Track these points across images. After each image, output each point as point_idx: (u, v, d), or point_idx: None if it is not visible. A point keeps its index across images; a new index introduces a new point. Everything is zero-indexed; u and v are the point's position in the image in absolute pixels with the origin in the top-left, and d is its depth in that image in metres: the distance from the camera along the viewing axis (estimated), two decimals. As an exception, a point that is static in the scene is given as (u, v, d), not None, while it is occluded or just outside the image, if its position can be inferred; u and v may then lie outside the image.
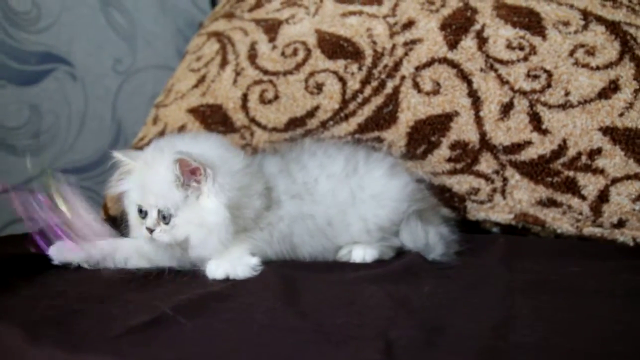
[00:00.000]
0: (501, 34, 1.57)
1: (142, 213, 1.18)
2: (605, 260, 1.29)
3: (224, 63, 1.77)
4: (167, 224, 1.16)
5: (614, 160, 1.43)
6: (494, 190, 1.51)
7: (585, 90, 1.49)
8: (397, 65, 1.61)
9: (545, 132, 1.49)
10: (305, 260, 1.27)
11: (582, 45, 1.52)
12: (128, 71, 2.19)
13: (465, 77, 1.56)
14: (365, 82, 1.62)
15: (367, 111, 1.60)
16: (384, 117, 1.59)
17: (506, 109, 1.52)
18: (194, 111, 1.74)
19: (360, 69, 1.63)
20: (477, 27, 1.59)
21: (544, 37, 1.55)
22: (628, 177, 1.42)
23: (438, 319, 0.96)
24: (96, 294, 1.08)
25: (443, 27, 1.61)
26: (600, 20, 1.54)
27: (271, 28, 1.76)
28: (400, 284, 1.11)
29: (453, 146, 1.54)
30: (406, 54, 1.61)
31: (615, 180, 1.43)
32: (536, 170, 1.48)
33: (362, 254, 1.27)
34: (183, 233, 1.16)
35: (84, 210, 1.24)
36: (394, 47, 1.63)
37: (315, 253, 1.28)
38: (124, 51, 2.19)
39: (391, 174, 1.33)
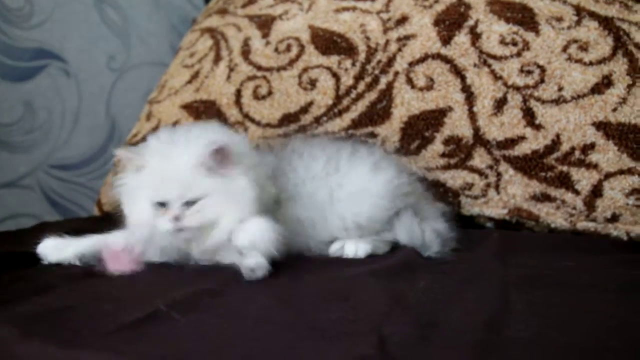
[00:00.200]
0: (494, 29, 1.57)
1: (160, 207, 1.15)
2: (599, 255, 1.30)
3: (217, 59, 1.77)
4: (194, 206, 1.14)
5: (608, 155, 1.44)
6: (488, 185, 1.51)
7: (578, 86, 1.49)
8: (391, 60, 1.61)
9: (538, 127, 1.49)
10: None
11: (576, 41, 1.53)
12: (122, 68, 2.19)
13: (458, 72, 1.56)
14: (358, 77, 1.62)
15: (360, 107, 1.60)
16: (378, 113, 1.59)
17: (500, 104, 1.52)
18: (187, 107, 1.74)
19: (353, 64, 1.63)
20: (471, 22, 1.59)
21: (537, 32, 1.55)
22: (621, 172, 1.43)
23: (433, 314, 0.96)
24: (88, 290, 1.08)
25: (437, 22, 1.61)
26: (593, 15, 1.54)
27: (264, 24, 1.76)
28: (395, 279, 1.11)
29: (447, 141, 1.54)
30: (400, 49, 1.61)
31: (608, 175, 1.43)
32: (530, 165, 1.48)
33: (354, 248, 1.26)
34: (213, 214, 1.15)
35: None
36: (387, 42, 1.63)
37: (301, 251, 1.27)
38: (118, 48, 2.18)
39: (375, 169, 1.32)
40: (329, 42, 1.67)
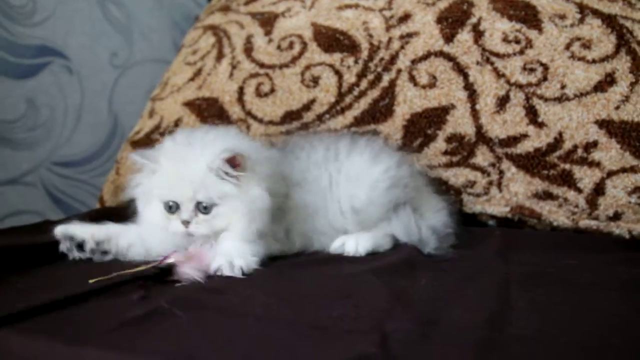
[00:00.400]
0: (497, 27, 1.57)
1: (172, 208, 1.18)
2: (601, 253, 1.30)
3: (220, 56, 1.77)
4: (206, 214, 1.16)
5: (610, 153, 1.44)
6: (490, 183, 1.51)
7: (581, 84, 1.49)
8: (394, 58, 1.61)
9: (541, 125, 1.49)
10: (297, 251, 1.27)
11: (579, 39, 1.52)
12: (124, 65, 2.19)
13: (461, 70, 1.56)
14: (361, 75, 1.62)
15: (363, 104, 1.60)
16: (380, 110, 1.59)
17: (502, 102, 1.52)
18: (190, 104, 1.74)
19: (356, 62, 1.63)
20: (474, 20, 1.59)
21: (540, 30, 1.54)
22: (624, 170, 1.43)
23: (434, 311, 0.96)
24: (90, 286, 1.08)
25: (439, 20, 1.61)
26: (596, 13, 1.54)
27: (267, 21, 1.76)
28: (396, 277, 1.11)
29: (449, 139, 1.54)
30: (402, 47, 1.61)
31: (611, 173, 1.43)
32: (532, 163, 1.48)
33: (354, 245, 1.26)
34: (224, 222, 1.17)
35: None
36: (390, 40, 1.63)
37: (304, 241, 1.29)
38: (120, 45, 2.18)
39: (374, 158, 1.33)
40: (332, 40, 1.67)
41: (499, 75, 1.53)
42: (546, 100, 1.50)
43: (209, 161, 1.15)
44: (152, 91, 1.94)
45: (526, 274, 1.15)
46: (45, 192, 2.02)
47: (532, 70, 1.52)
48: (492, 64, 1.54)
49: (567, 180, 1.45)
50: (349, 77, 1.62)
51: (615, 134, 1.44)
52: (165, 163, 1.18)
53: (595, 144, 1.45)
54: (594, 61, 1.50)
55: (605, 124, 1.45)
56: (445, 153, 1.54)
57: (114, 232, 1.22)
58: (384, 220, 1.31)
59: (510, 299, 1.01)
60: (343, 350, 0.82)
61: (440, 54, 1.58)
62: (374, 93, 1.60)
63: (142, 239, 1.23)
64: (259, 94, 1.68)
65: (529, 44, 1.54)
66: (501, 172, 1.50)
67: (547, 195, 1.47)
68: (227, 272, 1.11)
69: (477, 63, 1.55)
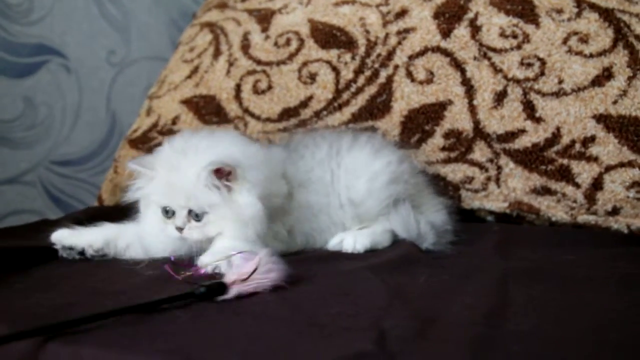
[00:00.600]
0: (494, 22, 1.57)
1: (169, 213, 1.19)
2: (600, 248, 1.30)
3: (217, 54, 1.77)
4: (198, 221, 1.18)
5: (608, 148, 1.44)
6: (488, 178, 1.51)
7: (578, 78, 1.49)
8: (391, 54, 1.61)
9: (539, 120, 1.49)
10: (299, 249, 1.27)
11: (576, 33, 1.52)
12: (122, 62, 2.19)
13: (458, 65, 1.56)
14: (358, 71, 1.62)
15: (360, 101, 1.60)
16: (378, 107, 1.59)
17: (500, 97, 1.52)
18: (187, 102, 1.74)
19: (353, 58, 1.63)
20: (471, 15, 1.59)
21: (537, 25, 1.54)
22: (622, 165, 1.43)
23: (432, 308, 0.96)
24: (90, 286, 1.08)
25: (436, 15, 1.61)
26: (593, 7, 1.54)
27: (264, 18, 1.76)
28: (395, 274, 1.11)
29: (447, 135, 1.54)
30: (399, 43, 1.61)
31: (609, 168, 1.43)
32: (530, 159, 1.48)
33: (352, 242, 1.26)
34: (216, 229, 1.18)
35: None
36: (387, 36, 1.62)
37: (307, 238, 1.29)
38: (118, 42, 2.18)
39: (375, 152, 1.34)
40: (329, 36, 1.66)
41: (497, 70, 1.53)
42: (544, 95, 1.49)
43: (197, 172, 1.16)
44: (149, 89, 1.93)
45: (524, 269, 1.15)
46: (44, 191, 2.02)
47: (529, 65, 1.52)
48: (489, 59, 1.54)
49: (565, 175, 1.45)
50: (346, 74, 1.62)
51: (613, 129, 1.44)
52: (160, 171, 1.19)
53: (593, 139, 1.45)
54: (591, 55, 1.50)
55: (603, 119, 1.45)
56: (443, 149, 1.54)
57: (112, 235, 1.23)
58: (382, 216, 1.32)
59: (509, 295, 1.01)
60: (341, 348, 0.82)
61: (438, 49, 1.58)
62: (372, 89, 1.60)
63: (140, 238, 1.24)
64: (256, 91, 1.68)
65: (526, 38, 1.54)
66: (499, 168, 1.50)
67: (545, 191, 1.47)
68: (225, 270, 1.09)
69: (475, 58, 1.55)
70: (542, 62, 1.51)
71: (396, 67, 1.59)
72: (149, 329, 0.89)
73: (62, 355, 0.82)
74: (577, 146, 1.45)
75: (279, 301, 0.98)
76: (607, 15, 1.52)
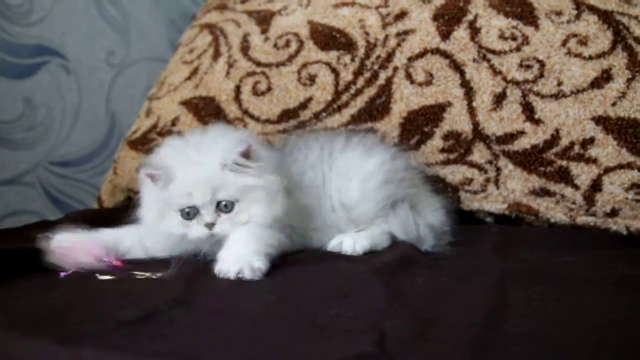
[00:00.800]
0: (494, 24, 1.57)
1: (190, 214, 1.17)
2: (599, 250, 1.30)
3: (216, 55, 1.77)
4: (228, 212, 1.17)
5: (607, 150, 1.44)
6: (488, 180, 1.51)
7: (577, 80, 1.49)
8: (390, 56, 1.61)
9: (538, 122, 1.49)
10: (297, 248, 1.27)
11: (575, 35, 1.52)
12: (121, 64, 2.19)
13: (458, 67, 1.56)
14: (357, 73, 1.62)
15: (360, 102, 1.60)
16: (377, 108, 1.59)
17: (499, 99, 1.52)
18: (187, 103, 1.74)
19: (352, 60, 1.63)
20: (470, 17, 1.59)
21: (536, 27, 1.55)
22: (621, 167, 1.43)
23: (431, 309, 0.97)
24: (89, 287, 1.08)
25: (435, 17, 1.61)
26: (592, 9, 1.54)
27: (263, 19, 1.76)
28: (394, 275, 1.11)
29: (446, 136, 1.54)
30: (399, 44, 1.61)
31: (608, 170, 1.43)
32: (529, 160, 1.48)
33: (352, 244, 1.26)
34: (246, 216, 1.17)
35: None
36: (386, 38, 1.63)
37: (305, 239, 1.29)
38: (117, 44, 2.18)
39: (367, 152, 1.34)
40: (328, 38, 1.67)
41: (496, 72, 1.53)
42: (543, 97, 1.50)
43: (222, 158, 1.15)
44: (149, 90, 1.93)
45: (523, 270, 1.15)
46: (44, 191, 2.02)
47: (528, 67, 1.52)
48: (488, 61, 1.54)
49: (564, 176, 1.46)
50: (346, 75, 1.62)
51: (612, 131, 1.44)
52: (179, 170, 1.17)
53: (592, 141, 1.45)
54: (590, 58, 1.50)
55: (602, 121, 1.45)
56: (443, 150, 1.54)
57: (112, 240, 1.22)
58: (380, 218, 1.32)
59: (508, 297, 1.02)
60: (341, 349, 0.83)
61: (437, 51, 1.58)
62: (371, 91, 1.60)
63: (140, 240, 1.23)
64: (255, 92, 1.68)
65: (526, 40, 1.54)
66: (498, 169, 1.50)
67: (544, 192, 1.47)
68: (248, 276, 1.09)
69: (474, 60, 1.55)
70: (542, 64, 1.51)
71: (395, 68, 1.60)
72: (149, 330, 0.89)
73: (63, 356, 0.82)
74: (576, 148, 1.46)
75: (279, 302, 0.99)
76: (606, 17, 1.53)
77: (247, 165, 1.16)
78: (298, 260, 1.20)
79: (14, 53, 1.95)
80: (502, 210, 1.50)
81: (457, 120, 1.54)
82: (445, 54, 1.57)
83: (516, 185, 1.49)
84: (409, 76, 1.58)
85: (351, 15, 1.68)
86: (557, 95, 1.49)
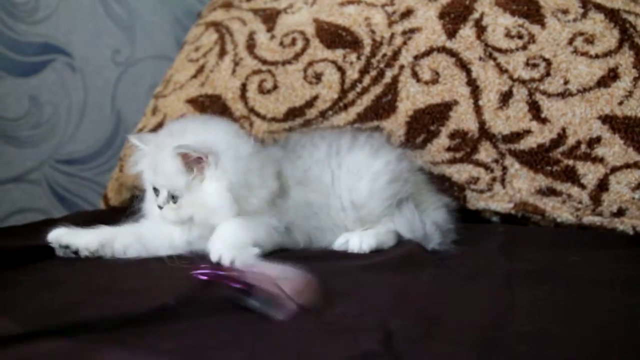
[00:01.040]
0: (500, 22, 1.57)
1: (156, 192, 1.23)
2: (605, 249, 1.30)
3: (222, 53, 1.77)
4: (174, 203, 1.21)
5: (614, 149, 1.44)
6: (494, 179, 1.51)
7: (584, 79, 1.48)
8: (396, 54, 1.61)
9: (544, 120, 1.49)
10: (299, 247, 1.27)
11: (581, 34, 1.52)
12: (127, 61, 2.19)
13: (464, 66, 1.56)
14: (364, 71, 1.62)
15: (366, 101, 1.60)
16: (383, 107, 1.59)
17: (505, 97, 1.52)
18: (193, 101, 1.74)
19: (359, 58, 1.63)
20: (476, 15, 1.59)
21: (543, 25, 1.54)
22: (627, 166, 1.42)
23: (438, 309, 0.97)
24: (97, 284, 1.09)
25: (442, 15, 1.61)
26: (599, 8, 1.54)
27: (269, 17, 1.76)
28: (400, 274, 1.11)
29: (452, 135, 1.54)
30: (405, 43, 1.61)
31: (614, 169, 1.43)
32: (535, 159, 1.48)
33: (358, 242, 1.26)
34: (187, 213, 1.21)
35: None
36: (392, 36, 1.62)
37: (309, 237, 1.29)
38: (123, 41, 2.18)
39: (374, 152, 1.34)
40: (334, 36, 1.67)
41: (502, 70, 1.53)
42: (549, 95, 1.49)
43: (168, 153, 1.18)
44: (154, 88, 1.94)
45: (530, 270, 1.15)
46: (50, 189, 2.02)
47: (535, 65, 1.52)
48: (494, 59, 1.54)
49: (571, 176, 1.45)
50: (352, 74, 1.62)
51: (618, 130, 1.44)
52: (151, 148, 1.23)
53: (598, 140, 1.45)
54: (597, 56, 1.50)
55: (608, 120, 1.45)
56: (449, 149, 1.54)
57: (109, 237, 1.23)
58: (386, 216, 1.32)
59: (514, 297, 1.02)
60: (348, 348, 0.83)
61: (443, 49, 1.58)
62: (377, 89, 1.60)
63: (139, 238, 1.24)
64: (261, 90, 1.68)
65: (532, 39, 1.54)
66: (504, 168, 1.50)
67: (550, 192, 1.47)
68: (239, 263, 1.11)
69: (480, 59, 1.55)
70: (548, 62, 1.51)
71: (401, 67, 1.59)
72: (158, 329, 0.89)
73: (71, 353, 0.82)
74: (583, 147, 1.45)
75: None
76: (612, 15, 1.52)
77: (184, 170, 1.18)
78: (304, 258, 1.19)
79: (20, 51, 1.95)
80: (508, 209, 1.50)
81: (463, 118, 1.53)
82: (451, 53, 1.57)
83: (522, 184, 1.49)
84: (415, 74, 1.58)
85: (357, 14, 1.68)
86: (564, 94, 1.49)
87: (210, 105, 1.71)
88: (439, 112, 1.55)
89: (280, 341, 0.86)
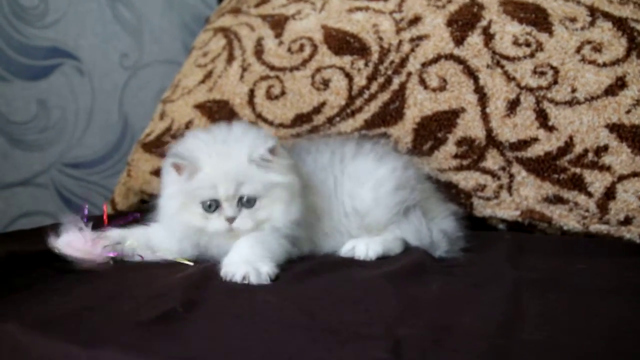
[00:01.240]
0: (508, 30, 1.57)
1: (211, 207, 1.18)
2: (612, 258, 1.30)
3: (230, 59, 1.77)
4: (249, 207, 1.18)
5: (621, 157, 1.44)
6: (501, 186, 1.51)
7: (591, 87, 1.48)
8: (404, 61, 1.61)
9: (551, 128, 1.49)
10: (304, 255, 1.27)
11: (589, 42, 1.52)
12: (135, 66, 2.20)
13: (471, 73, 1.56)
14: (371, 78, 1.62)
15: (373, 107, 1.60)
16: (391, 114, 1.59)
17: (512, 105, 1.52)
18: (200, 107, 1.75)
19: (366, 65, 1.63)
20: (484, 23, 1.59)
21: (550, 33, 1.54)
22: (635, 174, 1.42)
23: (445, 317, 0.97)
24: (105, 289, 1.09)
25: (449, 23, 1.61)
26: (607, 16, 1.54)
27: (277, 24, 1.77)
28: (408, 282, 1.11)
29: (459, 142, 1.54)
30: (412, 50, 1.61)
31: (621, 178, 1.43)
32: (542, 167, 1.48)
33: (365, 249, 1.26)
34: (266, 213, 1.19)
35: None
36: (400, 43, 1.63)
37: (311, 245, 1.29)
38: (131, 46, 2.19)
39: (379, 159, 1.34)
40: (342, 42, 1.67)
41: (510, 78, 1.53)
42: (557, 103, 1.50)
43: (250, 152, 1.17)
44: (162, 93, 1.94)
45: (537, 279, 1.15)
46: (57, 193, 2.03)
47: (542, 73, 1.52)
48: (502, 67, 1.54)
49: (578, 184, 1.45)
50: (360, 80, 1.63)
51: (626, 138, 1.44)
52: (206, 162, 1.18)
53: (605, 148, 1.45)
54: (604, 64, 1.50)
55: (616, 128, 1.45)
56: (456, 156, 1.54)
57: (117, 240, 1.23)
58: (393, 224, 1.32)
59: (521, 305, 1.02)
60: (357, 356, 0.83)
61: (451, 57, 1.58)
62: (384, 96, 1.60)
63: (147, 240, 1.24)
64: (269, 96, 1.69)
65: (540, 47, 1.54)
66: (511, 176, 1.50)
67: (557, 200, 1.47)
68: (254, 280, 1.09)
69: (488, 66, 1.55)
70: (556, 70, 1.51)
71: (409, 74, 1.60)
72: (166, 333, 0.89)
73: (81, 357, 0.83)
74: (590, 155, 1.45)
75: (294, 307, 0.99)
76: (620, 24, 1.52)
77: (273, 162, 1.18)
78: (311, 266, 1.20)
79: (28, 55, 1.96)
80: (514, 217, 1.50)
81: (470, 126, 1.54)
82: (459, 60, 1.58)
83: (529, 192, 1.49)
84: (422, 82, 1.58)
85: (365, 20, 1.68)
86: (571, 102, 1.49)
87: (217, 110, 1.72)
88: (446, 120, 1.55)
89: (288, 348, 0.86)
